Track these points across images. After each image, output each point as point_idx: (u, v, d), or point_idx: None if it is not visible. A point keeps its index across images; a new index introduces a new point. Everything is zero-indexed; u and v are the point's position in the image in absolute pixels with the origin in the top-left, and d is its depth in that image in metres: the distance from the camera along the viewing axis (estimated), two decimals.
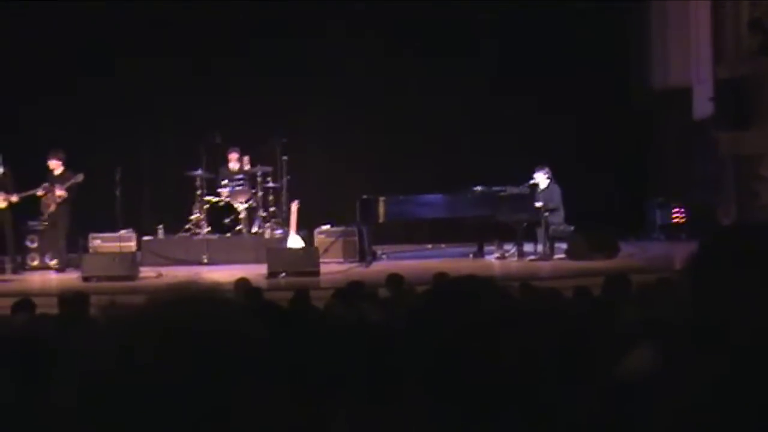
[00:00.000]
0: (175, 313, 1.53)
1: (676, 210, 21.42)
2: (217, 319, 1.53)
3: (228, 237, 19.64)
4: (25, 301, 10.22)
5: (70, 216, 18.59)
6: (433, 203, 19.01)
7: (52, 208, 18.57)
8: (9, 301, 10.61)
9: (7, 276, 18.01)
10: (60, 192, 18.42)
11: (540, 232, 18.75)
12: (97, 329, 1.60)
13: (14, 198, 18.36)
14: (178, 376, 1.46)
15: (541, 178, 18.91)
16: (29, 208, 18.86)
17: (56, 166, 18.73)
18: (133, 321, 1.53)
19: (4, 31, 20.82)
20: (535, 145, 20.67)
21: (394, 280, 11.83)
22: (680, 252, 18.82)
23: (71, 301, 9.82)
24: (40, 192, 18.49)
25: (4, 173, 18.44)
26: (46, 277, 18.40)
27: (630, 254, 18.77)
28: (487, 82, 21.59)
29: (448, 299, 1.98)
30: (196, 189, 19.85)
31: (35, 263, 19.18)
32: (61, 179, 18.53)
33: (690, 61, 22.10)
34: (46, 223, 18.78)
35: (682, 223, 21.33)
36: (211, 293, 1.59)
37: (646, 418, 2.83)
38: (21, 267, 18.73)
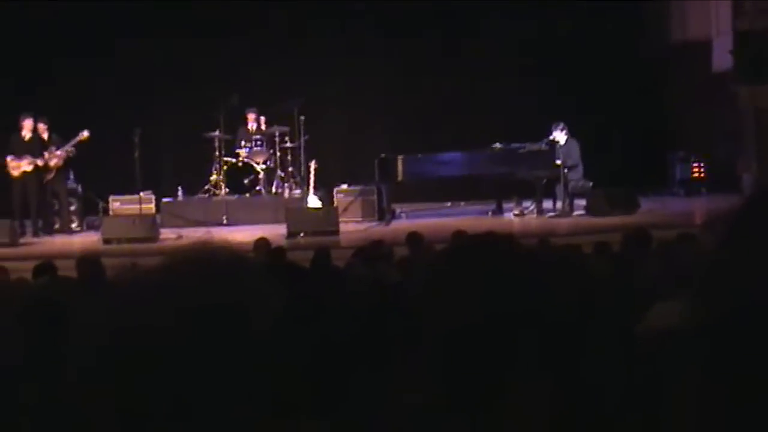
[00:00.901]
0: (193, 274, 1.51)
1: (696, 165, 21.32)
2: (235, 280, 1.51)
3: (247, 197, 19.65)
4: (46, 264, 10.24)
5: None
6: (451, 161, 18.96)
7: (51, 175, 18.70)
8: (31, 265, 10.62)
9: (29, 239, 18.06)
10: (60, 153, 18.54)
11: (559, 188, 18.69)
12: (115, 292, 1.58)
13: (40, 162, 18.43)
14: (195, 339, 1.44)
15: (560, 135, 18.83)
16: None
17: (43, 131, 18.78)
18: (151, 283, 1.52)
19: None
20: (552, 101, 20.56)
21: (414, 238, 11.82)
22: (700, 207, 18.79)
23: (87, 263, 9.82)
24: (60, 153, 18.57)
25: (31, 137, 18.48)
26: (67, 240, 18.45)
27: (650, 210, 18.68)
28: (503, 38, 21.46)
29: (467, 257, 1.96)
30: (214, 150, 19.86)
31: (56, 226, 19.22)
32: (50, 144, 18.66)
33: (709, 14, 21.93)
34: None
35: (702, 177, 21.24)
36: (229, 254, 1.57)
37: (670, 373, 2.81)
38: (44, 230, 18.76)
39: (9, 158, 18.28)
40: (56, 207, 19.21)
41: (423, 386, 1.78)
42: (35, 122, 18.54)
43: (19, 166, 18.28)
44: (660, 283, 4.70)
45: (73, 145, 18.56)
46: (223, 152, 19.81)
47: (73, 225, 19.40)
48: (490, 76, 21.50)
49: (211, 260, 1.55)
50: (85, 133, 18.47)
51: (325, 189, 19.64)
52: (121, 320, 1.48)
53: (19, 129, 18.48)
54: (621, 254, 9.12)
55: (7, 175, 18.35)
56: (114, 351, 1.46)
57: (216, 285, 1.49)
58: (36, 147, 18.46)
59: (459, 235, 10.47)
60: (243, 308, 1.48)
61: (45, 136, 18.75)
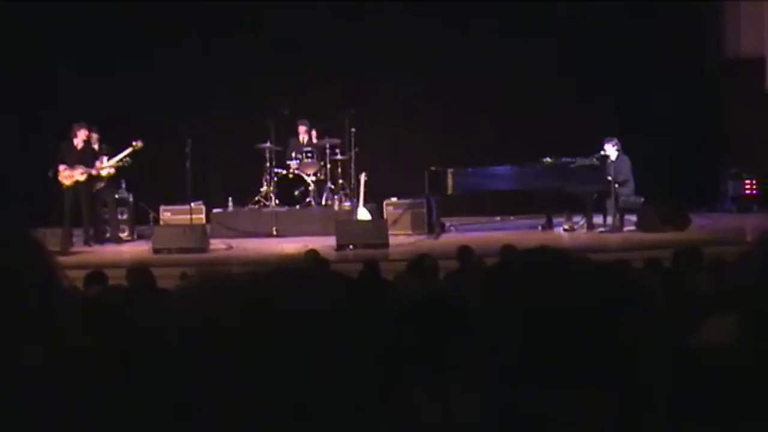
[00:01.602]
0: (258, 285, 1.53)
1: (749, 181, 21.18)
2: (299, 292, 1.53)
3: (297, 209, 19.69)
4: (97, 273, 10.31)
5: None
6: (501, 175, 18.92)
7: (102, 185, 18.86)
8: (82, 274, 10.68)
9: (80, 248, 18.17)
10: (112, 163, 18.71)
11: (609, 203, 18.60)
12: (176, 301, 1.60)
13: (94, 171, 18.58)
14: (257, 348, 1.46)
15: (611, 150, 18.74)
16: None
17: (95, 141, 18.95)
18: (214, 293, 1.53)
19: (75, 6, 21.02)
20: (605, 115, 20.54)
21: (465, 252, 11.80)
22: (752, 224, 18.64)
23: (138, 273, 9.89)
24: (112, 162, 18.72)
25: (83, 146, 18.61)
26: (118, 249, 18.56)
27: (701, 226, 18.57)
28: (557, 52, 21.42)
29: (520, 271, 1.97)
30: (265, 161, 19.93)
31: (107, 235, 19.36)
32: (101, 153, 18.82)
33: (763, 31, 21.80)
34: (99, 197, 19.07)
35: (755, 194, 21.10)
36: (292, 267, 1.59)
37: (721, 389, 2.80)
38: (95, 239, 18.89)
39: (62, 167, 18.40)
40: (106, 216, 19.35)
41: (477, 401, 1.79)
42: (89, 132, 18.68)
43: (72, 176, 18.39)
44: (710, 300, 4.69)
45: (127, 155, 18.68)
46: (273, 163, 19.87)
47: (124, 234, 19.55)
48: (543, 89, 21.46)
49: (276, 272, 1.57)
50: (139, 143, 18.60)
51: (374, 201, 19.67)
52: (185, 332, 1.49)
53: (71, 138, 18.58)
54: (672, 270, 9.07)
55: (59, 184, 18.46)
56: (177, 360, 1.47)
57: (280, 296, 1.51)
58: (88, 156, 18.59)
59: (508, 249, 10.46)
60: (306, 319, 1.49)
61: (96, 146, 18.90)
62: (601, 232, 18.48)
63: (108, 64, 20.90)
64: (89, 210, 18.72)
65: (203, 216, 19.76)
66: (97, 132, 18.92)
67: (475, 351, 1.85)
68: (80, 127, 18.57)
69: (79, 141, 18.57)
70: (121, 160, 18.72)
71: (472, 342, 1.87)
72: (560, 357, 1.77)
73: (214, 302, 1.52)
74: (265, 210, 19.75)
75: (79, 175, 18.42)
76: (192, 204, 19.07)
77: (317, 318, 1.51)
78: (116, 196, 19.28)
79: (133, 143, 18.63)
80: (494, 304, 1.89)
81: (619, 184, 18.48)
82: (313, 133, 20.30)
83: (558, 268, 1.94)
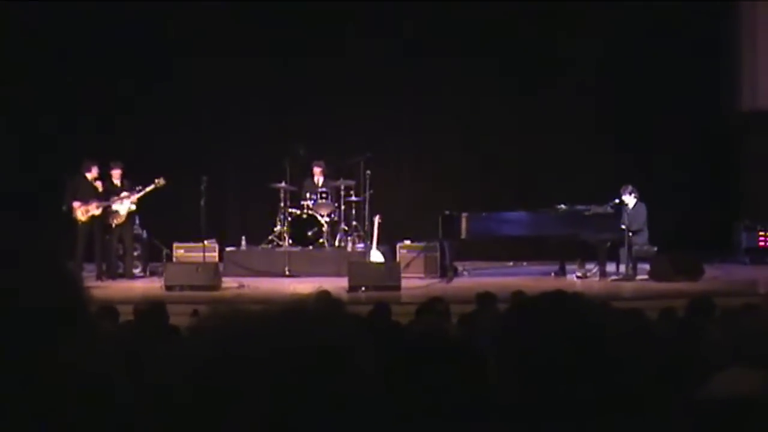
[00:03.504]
0: (270, 324, 1.53)
1: (763, 233, 21.13)
2: (310, 332, 1.53)
3: (310, 249, 19.69)
4: (108, 309, 10.31)
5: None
6: (516, 220, 18.90)
7: (121, 219, 18.85)
8: (93, 309, 10.66)
9: (93, 283, 18.15)
10: (133, 198, 18.72)
11: (623, 251, 18.56)
12: (186, 339, 1.60)
13: (113, 206, 18.59)
14: (268, 388, 1.45)
15: (629, 198, 18.73)
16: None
17: (117, 176, 18.98)
18: (226, 332, 1.53)
19: (87, 36, 21.11)
20: (619, 164, 20.55)
21: (485, 298, 11.69)
22: (765, 276, 18.58)
23: (149, 310, 9.88)
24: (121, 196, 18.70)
25: (98, 181, 18.63)
26: (130, 285, 18.57)
27: (714, 277, 18.53)
28: (572, 99, 21.46)
29: (535, 316, 1.96)
30: (279, 201, 19.95)
31: (120, 271, 19.40)
32: (123, 189, 18.83)
33: None
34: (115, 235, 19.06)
35: None
36: (303, 307, 1.59)
37: None
38: (107, 275, 18.91)
39: (76, 204, 18.39)
40: (120, 252, 19.36)
41: None
42: (109, 169, 18.74)
43: (88, 211, 18.41)
44: (722, 352, 4.67)
45: (149, 192, 18.69)
46: (288, 203, 19.89)
47: (136, 270, 19.57)
48: (557, 135, 21.49)
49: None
50: (162, 180, 18.64)
51: (388, 244, 19.67)
52: (195, 370, 1.49)
53: (84, 173, 18.60)
54: (685, 320, 9.04)
55: (73, 219, 18.45)
56: (186, 399, 1.47)
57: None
58: (105, 191, 18.61)
59: (518, 296, 10.42)
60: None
61: (118, 181, 18.92)
62: (614, 280, 18.44)
63: (127, 101, 20.97)
64: (102, 245, 18.74)
65: (216, 254, 19.77)
66: (120, 167, 18.95)
67: (488, 396, 1.85)
68: (92, 164, 18.60)
69: (92, 176, 18.59)
70: (142, 197, 18.75)
71: (485, 387, 1.86)
72: (573, 402, 1.76)
73: (226, 341, 1.51)
74: (278, 249, 19.75)
75: (95, 209, 18.44)
76: (205, 242, 19.10)
77: (328, 357, 1.51)
78: (133, 232, 19.28)
79: (156, 180, 18.67)
80: (507, 348, 1.88)
81: (633, 233, 18.46)
82: (316, 169, 20.22)
83: (571, 313, 1.94)
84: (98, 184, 18.73)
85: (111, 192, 18.73)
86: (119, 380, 1.59)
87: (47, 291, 1.50)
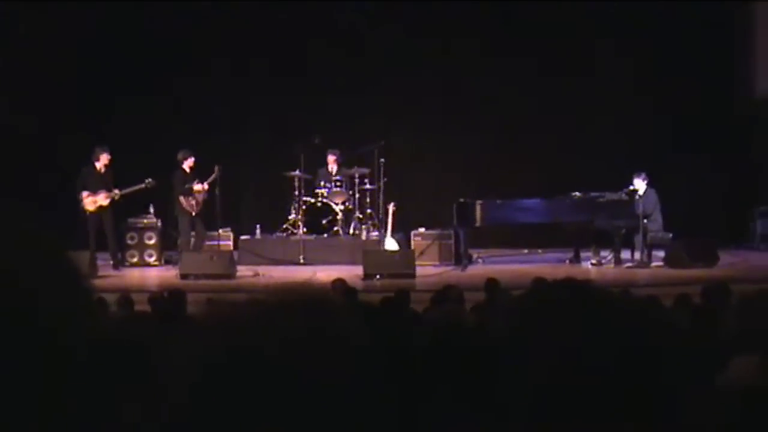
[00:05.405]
0: (284, 314, 1.52)
1: None
2: (323, 322, 1.51)
3: (324, 238, 19.68)
4: (124, 298, 10.33)
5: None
6: (530, 208, 18.86)
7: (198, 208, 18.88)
8: (109, 298, 10.70)
9: (108, 272, 18.16)
10: (201, 187, 18.72)
11: (638, 239, 18.53)
12: (199, 328, 1.59)
13: (117, 195, 18.50)
14: (280, 378, 1.44)
15: (640, 184, 18.68)
16: (129, 205, 19.01)
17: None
18: (240, 320, 1.52)
19: (106, 28, 21.13)
20: (635, 150, 20.51)
21: (491, 285, 11.74)
22: None
23: (168, 299, 9.90)
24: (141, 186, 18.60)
25: (106, 171, 18.55)
26: (145, 274, 18.61)
27: (730, 263, 18.48)
28: (590, 85, 21.43)
29: (549, 303, 1.95)
30: (293, 189, 19.95)
31: (134, 260, 19.45)
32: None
33: None
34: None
35: None
36: (318, 296, 1.58)
37: (747, 427, 2.78)
38: (121, 263, 18.94)
39: (85, 193, 18.34)
40: (135, 241, 19.44)
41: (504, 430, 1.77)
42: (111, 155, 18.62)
43: (95, 201, 18.29)
44: (737, 338, 4.65)
45: (135, 191, 18.55)
46: (302, 192, 19.88)
47: (152, 259, 19.60)
48: (572, 121, 21.47)
49: (301, 302, 1.56)
50: (151, 181, 18.43)
51: (402, 232, 19.67)
52: (210, 360, 1.48)
53: (93, 162, 18.54)
54: (701, 307, 9.01)
55: (82, 209, 18.40)
56: (202, 389, 1.46)
57: (307, 326, 1.50)
58: (110, 180, 18.51)
59: (539, 282, 10.40)
60: (330, 350, 1.48)
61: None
62: (629, 267, 18.40)
63: (139, 88, 20.94)
64: (114, 234, 18.67)
65: (231, 243, 19.80)
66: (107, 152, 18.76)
67: (502, 386, 1.84)
68: (103, 151, 18.47)
69: (101, 165, 18.51)
70: (128, 193, 18.57)
71: (499, 376, 1.85)
72: (589, 393, 1.75)
73: (238, 330, 1.50)
74: (292, 238, 19.75)
75: (102, 200, 18.34)
76: (220, 230, 19.12)
77: (341, 348, 1.50)
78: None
79: (146, 181, 18.53)
80: (521, 338, 1.87)
81: (648, 219, 18.41)
82: (330, 158, 20.17)
83: (587, 302, 1.93)
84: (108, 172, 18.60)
85: (113, 180, 18.56)
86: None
87: (46, 279, 1.49)
